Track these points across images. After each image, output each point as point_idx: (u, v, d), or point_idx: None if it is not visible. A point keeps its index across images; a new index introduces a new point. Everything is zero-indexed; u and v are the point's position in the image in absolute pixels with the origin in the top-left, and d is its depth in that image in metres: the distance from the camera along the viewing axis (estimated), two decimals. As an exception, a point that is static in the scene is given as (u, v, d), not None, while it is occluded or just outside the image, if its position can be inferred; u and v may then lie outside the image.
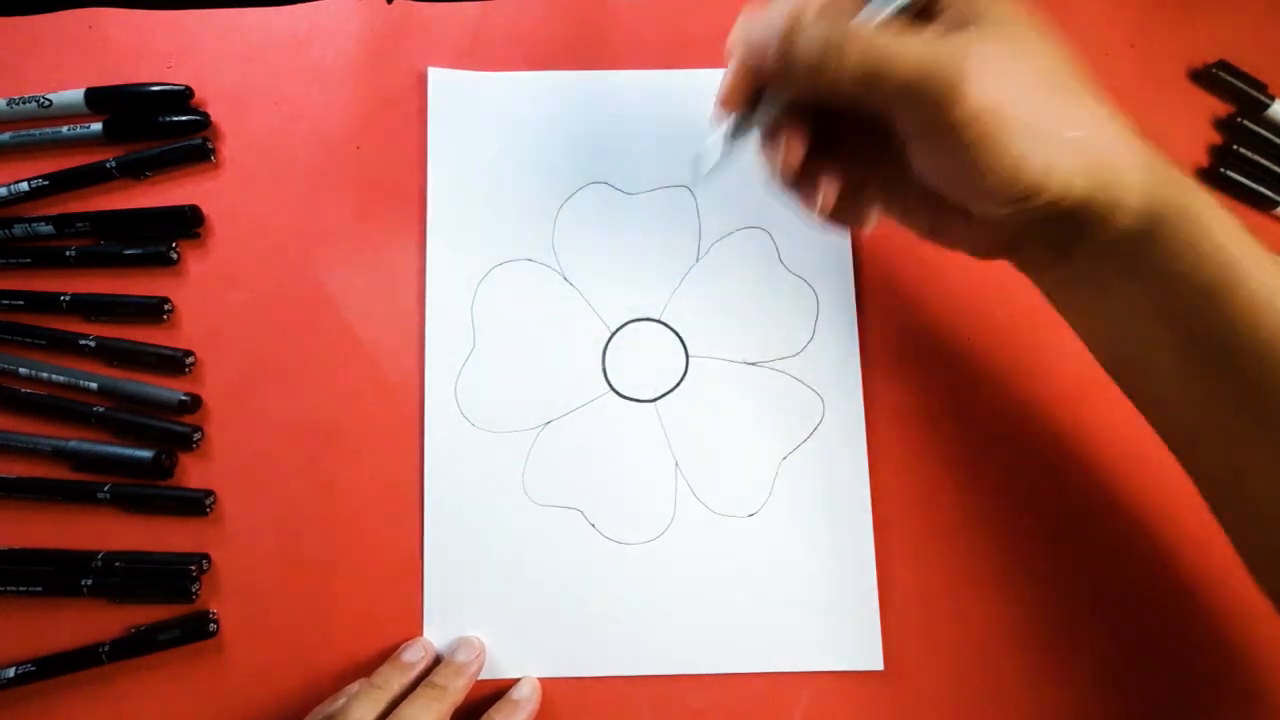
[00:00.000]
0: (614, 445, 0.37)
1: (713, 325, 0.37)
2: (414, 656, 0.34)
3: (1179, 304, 0.26)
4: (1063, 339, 0.37)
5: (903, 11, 0.24)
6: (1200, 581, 0.36)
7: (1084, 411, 0.37)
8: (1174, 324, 0.26)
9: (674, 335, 0.37)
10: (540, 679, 0.35)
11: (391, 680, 0.33)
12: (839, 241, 0.38)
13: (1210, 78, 0.40)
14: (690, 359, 0.37)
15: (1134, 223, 0.25)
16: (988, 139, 0.23)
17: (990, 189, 0.24)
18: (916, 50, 0.23)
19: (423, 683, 0.33)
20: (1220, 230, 0.25)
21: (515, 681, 0.35)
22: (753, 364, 0.37)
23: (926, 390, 0.37)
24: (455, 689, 0.33)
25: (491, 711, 0.33)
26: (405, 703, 0.32)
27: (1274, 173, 0.39)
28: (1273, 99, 0.39)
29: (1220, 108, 0.40)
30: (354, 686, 0.34)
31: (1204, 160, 0.39)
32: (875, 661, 0.35)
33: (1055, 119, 0.24)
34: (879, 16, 0.24)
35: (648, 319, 0.37)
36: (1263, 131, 0.39)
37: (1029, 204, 0.24)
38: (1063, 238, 0.26)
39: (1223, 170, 0.38)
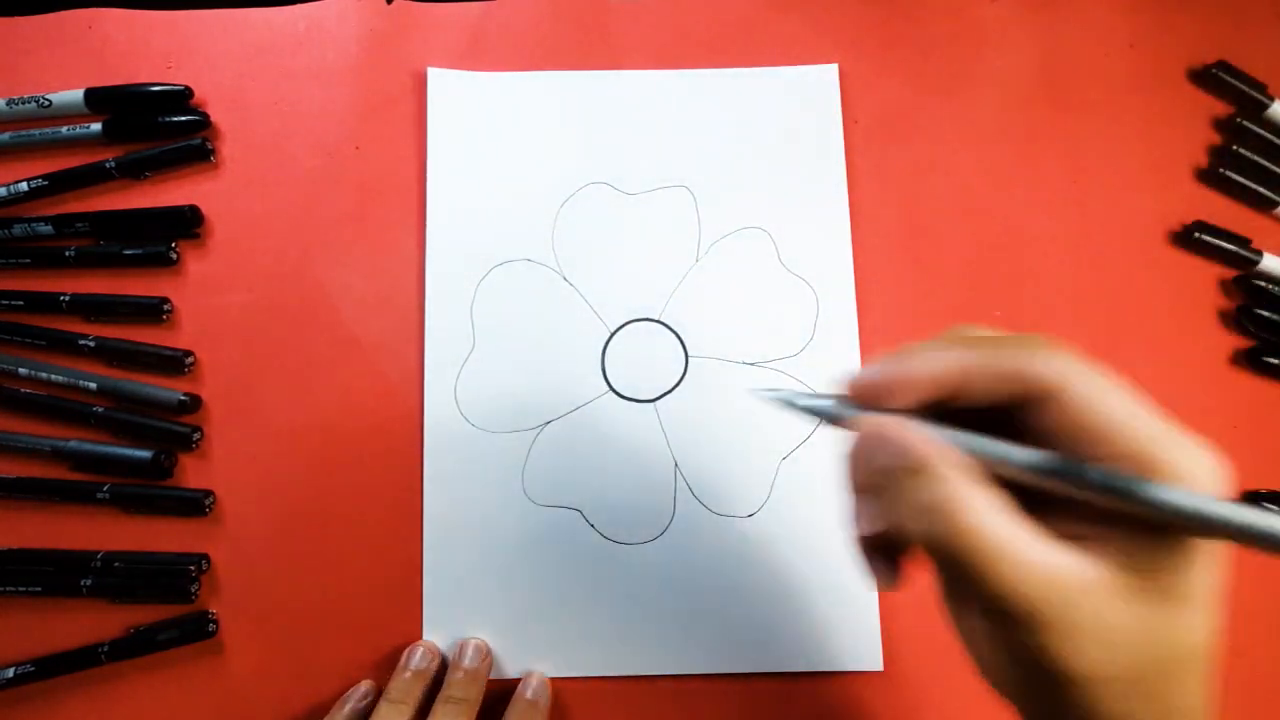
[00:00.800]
0: (614, 445, 0.37)
1: (712, 325, 0.37)
2: (424, 662, 0.34)
3: None
4: (1063, 338, 0.38)
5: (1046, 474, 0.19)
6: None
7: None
8: None
9: (673, 335, 0.37)
10: (540, 679, 0.35)
11: (410, 691, 0.32)
12: (839, 241, 0.38)
13: (1210, 78, 0.40)
14: (690, 359, 0.37)
15: None
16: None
17: None
18: (1059, 589, 0.18)
19: (440, 697, 0.32)
20: None
21: (517, 680, 0.34)
22: (752, 364, 0.37)
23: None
24: (473, 698, 0.33)
25: (509, 715, 0.33)
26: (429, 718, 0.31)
27: (1274, 173, 0.39)
28: (1272, 99, 0.39)
29: (1220, 108, 0.40)
30: (360, 688, 0.34)
31: (1204, 160, 0.39)
32: (875, 662, 0.35)
33: None
34: (1008, 467, 0.19)
35: (647, 319, 0.37)
36: (1262, 132, 0.39)
37: None
38: None
39: (1222, 170, 0.38)
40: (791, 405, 0.23)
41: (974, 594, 0.19)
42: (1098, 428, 0.19)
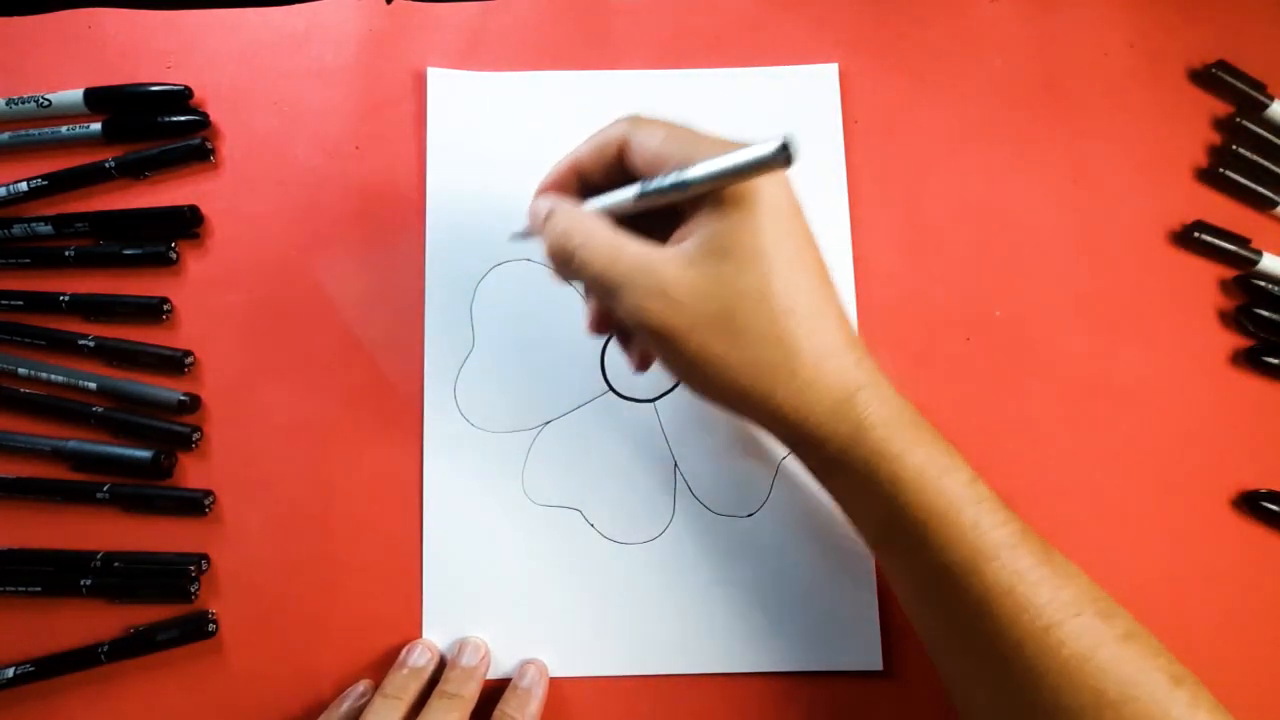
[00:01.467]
0: (613, 445, 0.37)
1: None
2: (421, 660, 0.34)
3: (884, 536, 0.28)
4: (1061, 339, 0.38)
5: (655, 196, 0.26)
6: (1200, 580, 0.36)
7: (1083, 412, 0.37)
8: (894, 554, 0.28)
9: (674, 335, 0.37)
10: (540, 679, 0.35)
11: (405, 687, 0.32)
12: (839, 240, 0.38)
13: (1210, 78, 0.40)
14: (690, 359, 0.37)
15: (829, 465, 0.28)
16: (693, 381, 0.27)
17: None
18: (612, 276, 0.26)
19: (435, 691, 0.33)
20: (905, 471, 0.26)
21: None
22: (752, 364, 0.37)
23: (926, 391, 0.37)
24: (468, 694, 0.32)
25: (502, 704, 0.33)
26: (424, 713, 0.31)
27: (1273, 173, 0.39)
28: (1272, 99, 0.39)
29: (1220, 108, 0.40)
30: (358, 687, 0.34)
31: (1203, 160, 0.39)
32: (875, 662, 0.35)
33: (758, 388, 0.26)
34: (606, 206, 0.28)
35: (647, 319, 0.37)
36: (1262, 131, 0.39)
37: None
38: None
39: (1222, 170, 0.38)
40: (519, 235, 0.34)
41: (598, 292, 0.27)
42: (653, 154, 0.26)
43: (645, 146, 0.27)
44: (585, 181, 0.29)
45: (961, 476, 0.27)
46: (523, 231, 0.32)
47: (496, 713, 0.32)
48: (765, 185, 0.25)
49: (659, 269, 0.26)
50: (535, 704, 0.33)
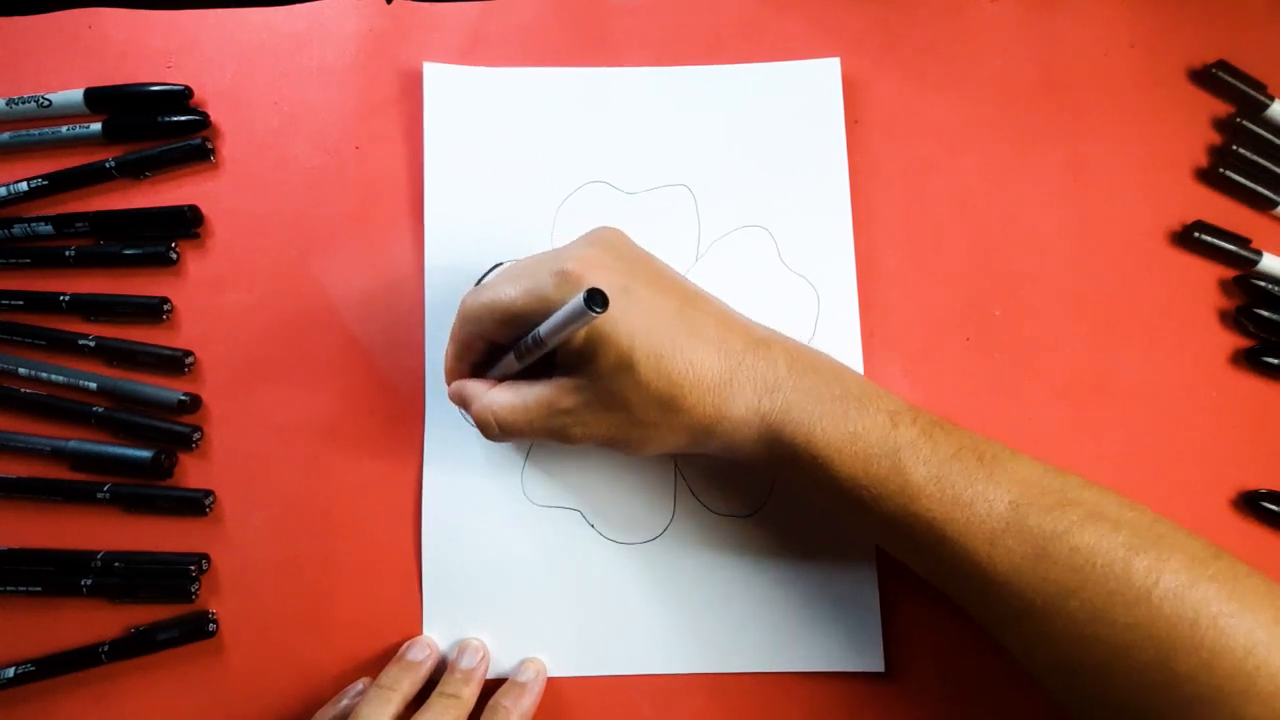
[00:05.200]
0: (614, 445, 0.37)
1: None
2: (419, 655, 0.34)
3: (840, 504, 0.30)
4: (1061, 339, 0.38)
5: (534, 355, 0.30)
6: (1200, 581, 0.36)
7: (1083, 412, 0.37)
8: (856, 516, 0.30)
9: (674, 335, 0.37)
10: (540, 679, 0.35)
11: (400, 680, 0.33)
12: (840, 240, 0.38)
13: (1210, 78, 0.40)
14: (690, 359, 0.37)
15: (772, 467, 0.31)
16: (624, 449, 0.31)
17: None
18: (534, 426, 0.30)
19: (435, 692, 0.33)
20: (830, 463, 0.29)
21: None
22: (752, 364, 0.37)
23: (926, 390, 0.37)
24: (466, 695, 0.33)
25: (498, 696, 0.33)
26: (421, 711, 0.32)
27: (1274, 173, 0.39)
28: (1272, 99, 0.39)
29: (1220, 108, 0.40)
30: (357, 685, 0.34)
31: (1203, 160, 0.39)
32: (876, 662, 0.35)
33: (667, 427, 0.30)
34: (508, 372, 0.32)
35: (647, 319, 0.37)
36: (1262, 132, 0.39)
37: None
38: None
39: (1222, 170, 0.38)
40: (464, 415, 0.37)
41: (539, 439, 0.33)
42: (517, 317, 0.29)
43: (510, 314, 0.30)
44: (483, 351, 0.32)
45: (871, 437, 0.28)
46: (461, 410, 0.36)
47: (491, 703, 0.33)
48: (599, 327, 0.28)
49: (561, 403, 0.30)
50: (530, 699, 0.33)
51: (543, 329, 0.28)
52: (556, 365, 0.30)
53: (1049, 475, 0.28)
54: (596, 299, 0.25)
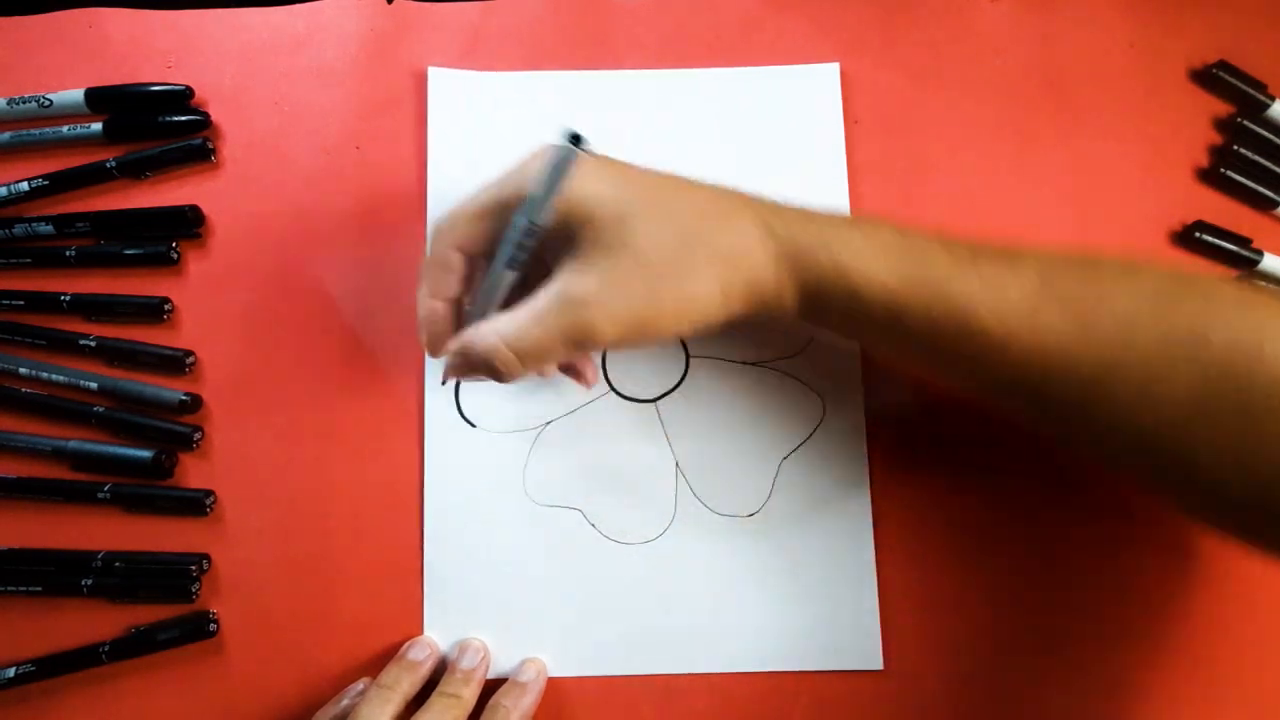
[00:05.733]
0: (614, 445, 0.37)
1: (713, 325, 0.37)
2: (420, 655, 0.34)
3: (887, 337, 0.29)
4: (1063, 339, 0.37)
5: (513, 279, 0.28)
6: (1201, 582, 0.36)
7: (1084, 411, 0.37)
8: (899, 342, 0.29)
9: (674, 335, 0.37)
10: (540, 679, 0.35)
11: (400, 680, 0.33)
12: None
13: (1210, 78, 0.40)
14: (690, 359, 0.37)
15: (801, 304, 0.29)
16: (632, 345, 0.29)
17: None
18: (553, 334, 0.27)
19: (435, 692, 0.33)
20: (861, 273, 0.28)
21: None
22: (753, 364, 0.37)
23: (926, 390, 0.37)
24: (467, 696, 0.33)
25: (498, 695, 0.33)
26: (421, 711, 0.32)
27: (1274, 173, 0.39)
28: (1273, 99, 0.39)
29: (1220, 108, 0.40)
30: (358, 685, 0.34)
31: (1204, 160, 0.39)
32: (875, 661, 0.35)
33: (677, 296, 0.27)
34: (496, 301, 0.28)
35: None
36: (1263, 132, 0.39)
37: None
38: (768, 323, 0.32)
39: (1223, 170, 0.38)
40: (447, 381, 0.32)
41: (568, 355, 0.28)
42: (484, 238, 0.28)
43: (473, 237, 0.28)
44: (461, 274, 0.30)
45: (887, 238, 0.28)
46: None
47: (492, 702, 0.33)
48: (582, 189, 0.27)
49: (573, 289, 0.27)
50: (531, 698, 0.33)
51: (531, 189, 0.26)
52: (551, 264, 0.28)
53: (1066, 253, 0.28)
54: (575, 137, 0.24)
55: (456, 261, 0.29)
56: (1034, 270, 0.27)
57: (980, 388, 0.29)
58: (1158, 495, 0.32)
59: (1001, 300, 0.27)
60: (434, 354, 0.31)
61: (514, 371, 0.28)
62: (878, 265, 0.27)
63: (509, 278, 0.28)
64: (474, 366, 0.28)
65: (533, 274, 0.28)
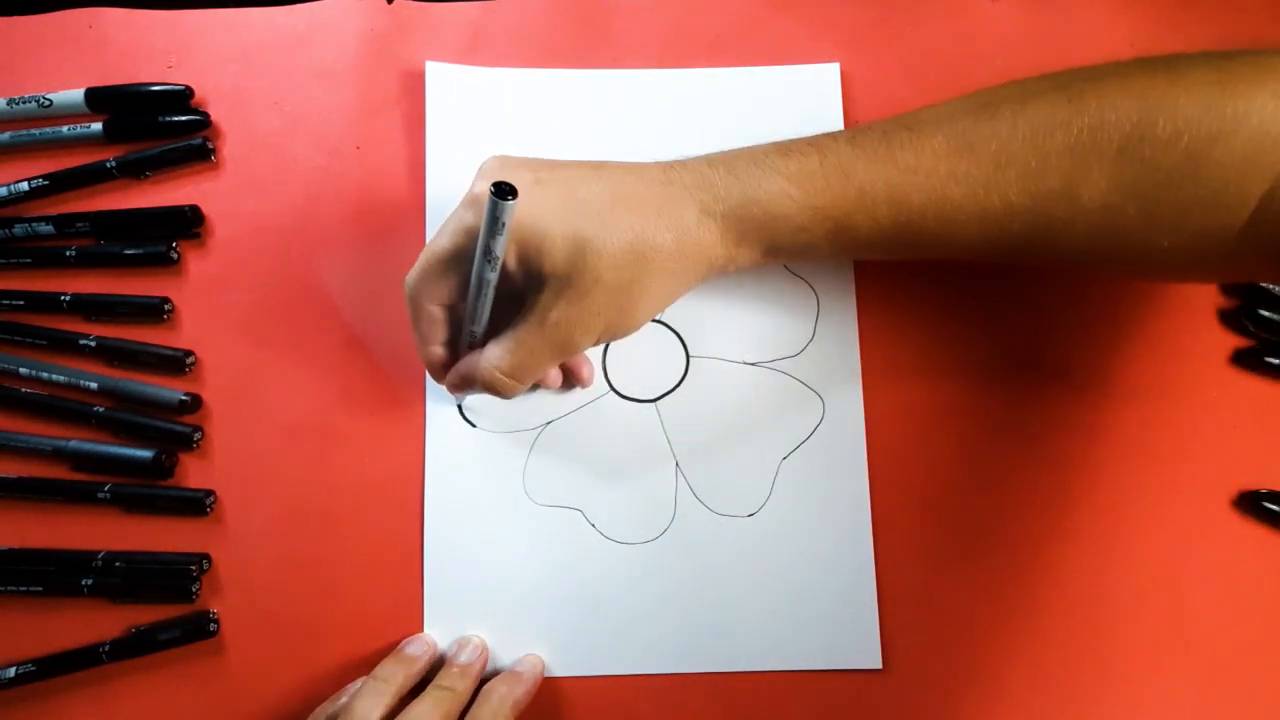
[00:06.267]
0: (614, 445, 0.37)
1: (713, 325, 0.37)
2: (417, 650, 0.34)
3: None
4: (1063, 338, 0.38)
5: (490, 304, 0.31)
6: (1200, 580, 0.36)
7: (1084, 410, 0.37)
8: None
9: (674, 335, 0.37)
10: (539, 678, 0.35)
11: (395, 674, 0.33)
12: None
13: (1210, 78, 0.39)
14: (690, 359, 0.37)
15: (755, 256, 0.32)
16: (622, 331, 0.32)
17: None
18: (538, 353, 0.31)
19: (430, 685, 0.33)
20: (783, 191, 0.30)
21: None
22: (753, 364, 0.37)
23: (926, 390, 0.37)
24: (462, 690, 0.33)
25: (493, 682, 0.33)
26: (414, 702, 0.32)
27: (1274, 173, 0.39)
28: (1272, 99, 0.39)
29: (1220, 108, 0.40)
30: (357, 684, 0.34)
31: (1204, 160, 0.39)
32: (874, 660, 0.35)
33: (646, 291, 0.30)
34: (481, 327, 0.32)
35: (648, 319, 0.38)
36: (1262, 131, 0.39)
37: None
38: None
39: (1222, 170, 0.38)
40: (465, 411, 0.37)
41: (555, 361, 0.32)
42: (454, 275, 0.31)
43: (443, 257, 0.30)
44: (446, 322, 0.33)
45: (810, 165, 0.30)
46: (462, 405, 0.37)
47: (485, 688, 0.33)
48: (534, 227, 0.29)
49: (549, 316, 0.30)
50: (524, 688, 0.33)
51: (479, 246, 0.28)
52: (524, 298, 0.31)
53: (967, 101, 0.30)
54: (501, 189, 0.26)
55: (439, 314, 0.32)
56: (941, 134, 0.29)
57: (950, 253, 0.31)
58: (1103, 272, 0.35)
59: (922, 175, 0.29)
60: (440, 380, 0.34)
61: (510, 390, 0.32)
62: (808, 200, 0.30)
63: (486, 309, 0.31)
64: (478, 389, 0.32)
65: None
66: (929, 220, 0.29)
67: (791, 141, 0.31)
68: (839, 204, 0.30)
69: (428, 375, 0.37)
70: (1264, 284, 0.37)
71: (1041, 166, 0.28)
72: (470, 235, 0.29)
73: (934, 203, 0.29)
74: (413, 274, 0.31)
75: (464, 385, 0.33)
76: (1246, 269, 0.31)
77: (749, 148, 0.31)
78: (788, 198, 0.30)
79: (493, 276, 0.29)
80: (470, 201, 0.30)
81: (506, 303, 0.31)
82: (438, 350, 0.33)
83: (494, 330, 0.32)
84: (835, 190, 0.29)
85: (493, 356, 0.31)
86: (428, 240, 0.37)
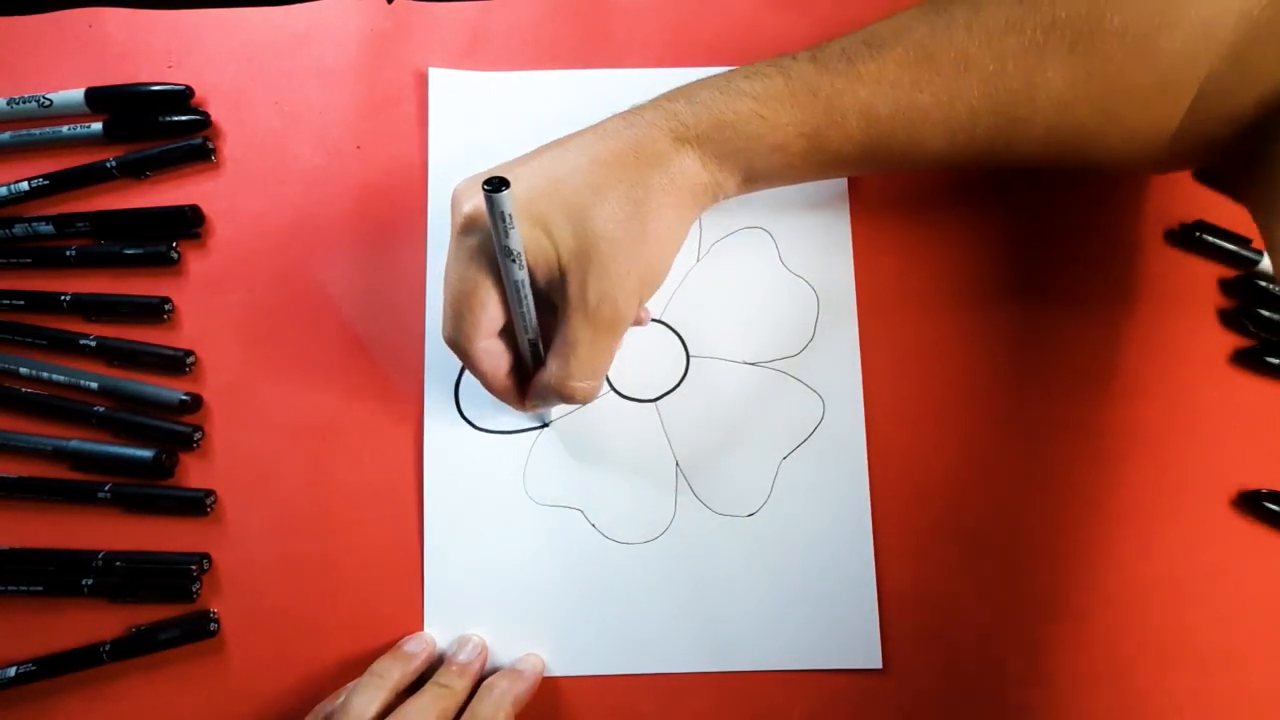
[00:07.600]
0: (614, 445, 0.37)
1: (713, 325, 0.37)
2: (415, 648, 0.34)
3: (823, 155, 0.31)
4: (1063, 338, 0.38)
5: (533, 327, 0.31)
6: (1200, 580, 0.36)
7: (1084, 411, 0.37)
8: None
9: (674, 335, 0.37)
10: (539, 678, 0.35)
11: (391, 670, 0.33)
12: (839, 241, 0.38)
13: (1210, 78, 0.39)
14: (691, 359, 0.37)
15: (740, 182, 0.32)
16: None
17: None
18: (598, 345, 0.31)
19: (429, 682, 0.33)
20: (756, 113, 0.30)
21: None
22: (753, 364, 0.37)
23: (926, 390, 0.37)
24: (459, 688, 0.33)
25: (493, 678, 0.33)
26: (411, 699, 0.32)
27: (1274, 173, 0.39)
28: (1273, 99, 0.39)
29: (1220, 108, 0.40)
30: (354, 684, 0.34)
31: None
32: (874, 660, 0.35)
33: (640, 257, 0.30)
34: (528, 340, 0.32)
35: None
36: (1263, 131, 0.39)
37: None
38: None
39: (1222, 170, 0.38)
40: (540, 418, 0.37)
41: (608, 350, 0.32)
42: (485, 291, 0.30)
43: (473, 289, 0.30)
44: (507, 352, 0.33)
45: (774, 85, 0.30)
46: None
47: (486, 683, 0.33)
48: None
49: (588, 303, 0.30)
50: (524, 685, 0.33)
51: (497, 251, 0.28)
52: (556, 303, 0.31)
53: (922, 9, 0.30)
54: (494, 184, 0.26)
55: (492, 347, 0.32)
56: (900, 45, 0.29)
57: (919, 165, 0.32)
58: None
59: (887, 86, 0.29)
60: (521, 409, 0.35)
61: (589, 394, 0.32)
62: (778, 119, 0.30)
63: (530, 302, 0.30)
64: (558, 403, 0.33)
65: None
66: (898, 130, 0.30)
67: (752, 65, 0.31)
68: (810, 121, 0.30)
69: (427, 376, 0.37)
70: (1263, 283, 0.37)
71: (999, 69, 0.28)
72: (477, 258, 0.29)
73: (901, 111, 0.29)
74: (446, 326, 0.31)
75: (545, 406, 0.34)
76: (1189, 157, 0.31)
77: (706, 78, 0.31)
78: (759, 118, 0.30)
79: (522, 275, 0.29)
80: (464, 227, 0.30)
81: (547, 318, 0.31)
82: (505, 382, 0.33)
83: (547, 343, 0.32)
84: (805, 108, 0.30)
85: (554, 370, 0.31)
86: (429, 239, 0.37)
